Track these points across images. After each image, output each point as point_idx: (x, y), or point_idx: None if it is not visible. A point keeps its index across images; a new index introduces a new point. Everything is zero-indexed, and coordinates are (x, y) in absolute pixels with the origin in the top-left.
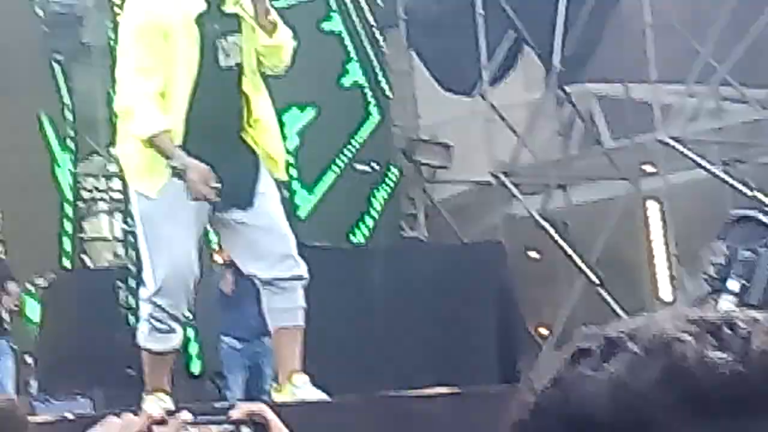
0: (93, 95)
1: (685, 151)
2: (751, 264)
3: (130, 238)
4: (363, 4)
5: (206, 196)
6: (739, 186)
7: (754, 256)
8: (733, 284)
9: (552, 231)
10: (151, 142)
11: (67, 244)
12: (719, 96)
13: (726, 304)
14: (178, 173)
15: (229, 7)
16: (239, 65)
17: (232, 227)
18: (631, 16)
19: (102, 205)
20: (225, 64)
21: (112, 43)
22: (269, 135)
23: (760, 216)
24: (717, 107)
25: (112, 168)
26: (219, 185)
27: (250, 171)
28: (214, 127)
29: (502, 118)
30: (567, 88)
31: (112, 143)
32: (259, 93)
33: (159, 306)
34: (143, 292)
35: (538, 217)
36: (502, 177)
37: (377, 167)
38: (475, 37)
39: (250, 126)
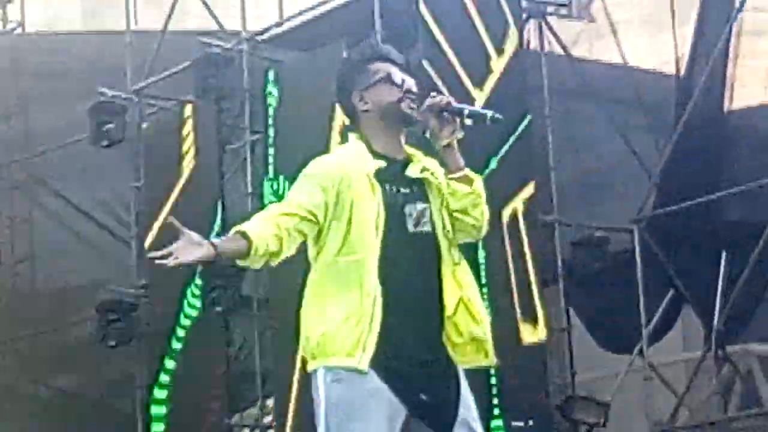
0: (251, 347)
1: None
2: None
3: None
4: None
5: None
6: None
7: None
8: None
9: None
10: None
11: None
12: None
13: None
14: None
15: (413, 172)
16: (433, 234)
17: None
18: None
19: None
20: (415, 230)
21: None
22: (472, 316)
23: None
24: None
25: (266, 420)
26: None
27: (451, 386)
28: (414, 314)
29: (660, 377)
30: (727, 348)
31: (267, 395)
32: (460, 266)
33: None
34: None
35: None
36: None
37: (531, 423)
38: (635, 296)
39: (453, 315)
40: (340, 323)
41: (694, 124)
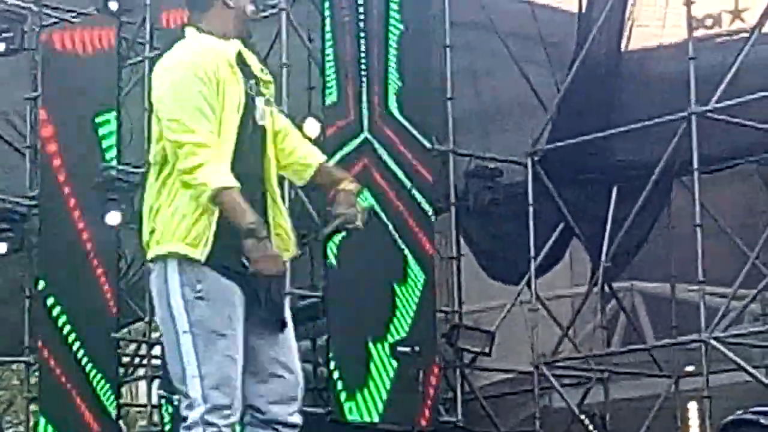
0: (141, 262)
1: (728, 354)
2: None
3: (164, 403)
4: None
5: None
6: None
7: None
8: None
9: (590, 425)
10: (221, 198)
11: None
12: (765, 300)
13: None
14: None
15: (254, 68)
16: (265, 130)
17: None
18: (680, 216)
19: (141, 371)
20: (259, 123)
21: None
22: (280, 210)
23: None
24: (762, 311)
25: (155, 335)
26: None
27: (282, 279)
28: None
29: (547, 309)
30: (613, 284)
31: None
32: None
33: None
34: (192, 413)
35: (576, 411)
36: (543, 368)
37: (417, 350)
38: (525, 226)
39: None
40: (189, 214)
41: (592, 61)
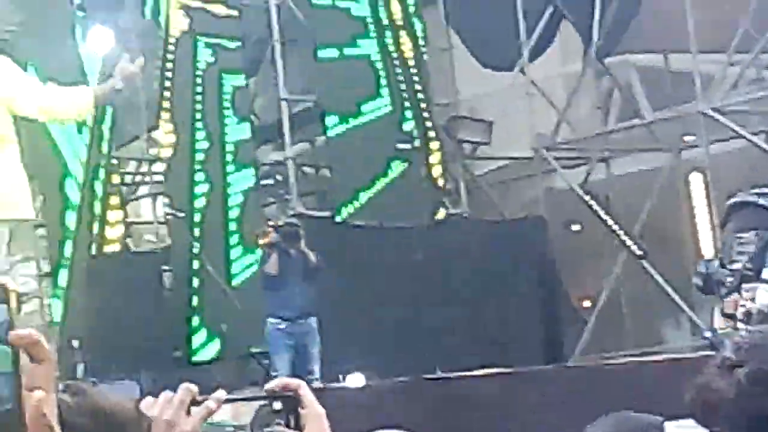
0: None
1: (726, 122)
2: None
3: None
4: None
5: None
6: None
7: None
8: None
9: (594, 204)
10: None
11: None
12: (761, 65)
13: (764, 295)
14: None
15: None
16: None
17: None
18: None
19: (144, 189)
20: None
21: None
22: None
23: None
24: (758, 76)
25: (153, 151)
26: None
27: None
28: None
29: (542, 93)
30: (606, 60)
31: (155, 127)
32: None
33: None
34: None
35: (579, 191)
36: (543, 151)
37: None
38: (514, 12)
39: None
40: None
41: None
